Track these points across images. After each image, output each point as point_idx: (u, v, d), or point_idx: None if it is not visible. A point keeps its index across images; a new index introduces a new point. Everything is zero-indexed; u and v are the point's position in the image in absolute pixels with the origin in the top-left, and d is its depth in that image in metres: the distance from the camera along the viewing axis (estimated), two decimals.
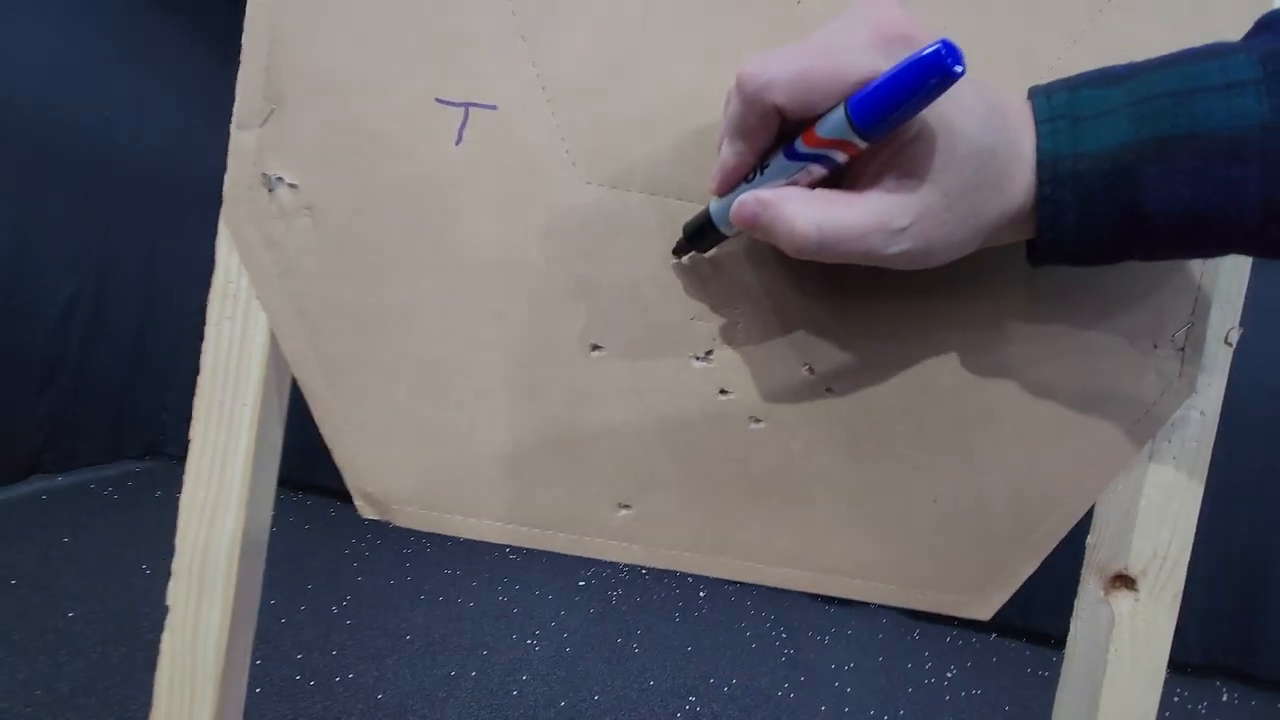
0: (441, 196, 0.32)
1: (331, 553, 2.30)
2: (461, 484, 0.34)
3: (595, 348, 0.33)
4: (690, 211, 0.32)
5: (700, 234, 0.31)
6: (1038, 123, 0.25)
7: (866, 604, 2.73)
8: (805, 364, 0.33)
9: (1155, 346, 0.33)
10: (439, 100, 0.32)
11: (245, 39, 0.32)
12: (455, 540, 2.59)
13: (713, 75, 0.32)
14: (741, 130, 0.26)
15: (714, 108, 0.32)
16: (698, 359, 0.33)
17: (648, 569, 2.64)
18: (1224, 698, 2.33)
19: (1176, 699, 2.25)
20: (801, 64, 0.24)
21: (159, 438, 2.90)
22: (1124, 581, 0.34)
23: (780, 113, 0.25)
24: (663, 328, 0.33)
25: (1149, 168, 0.23)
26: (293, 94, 0.31)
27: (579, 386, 0.34)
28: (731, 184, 0.28)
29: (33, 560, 1.88)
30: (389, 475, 0.34)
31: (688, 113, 0.32)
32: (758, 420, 0.34)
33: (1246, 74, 0.23)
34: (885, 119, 0.23)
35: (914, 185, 0.24)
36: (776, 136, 0.26)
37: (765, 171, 0.27)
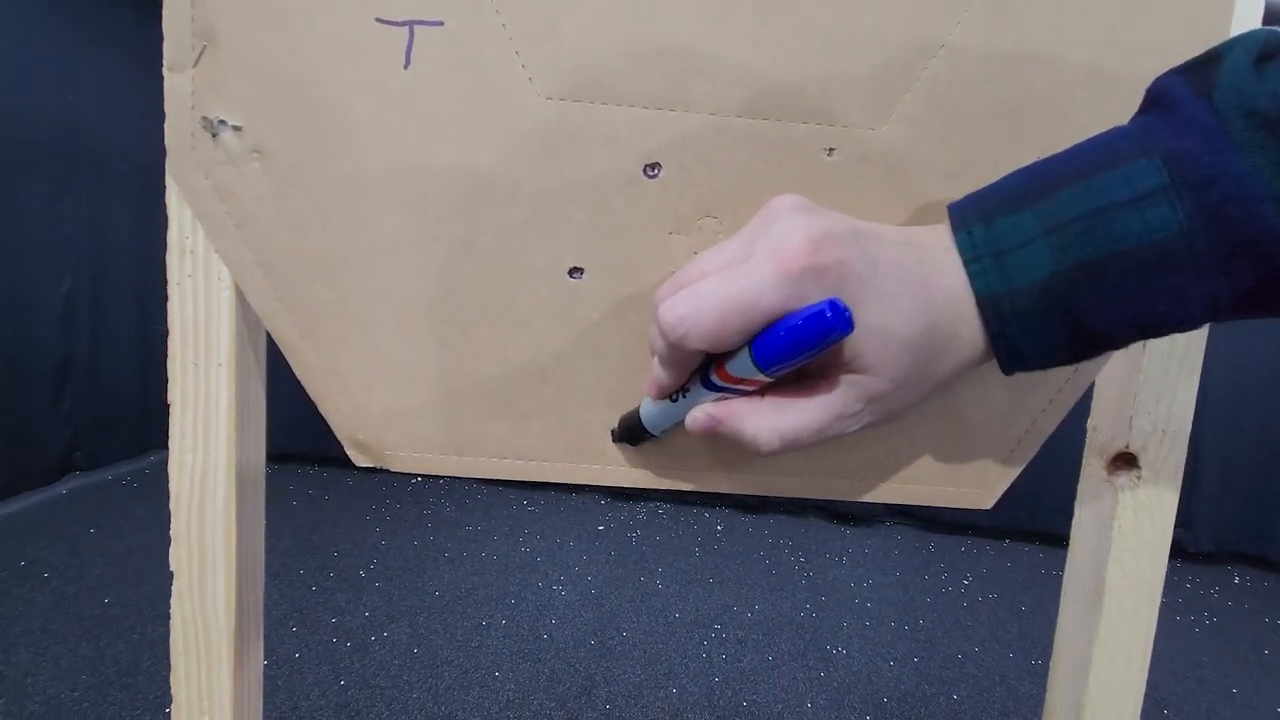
0: (395, 126, 0.31)
1: (353, 520, 2.35)
2: (452, 423, 0.33)
3: (574, 271, 0.32)
4: (655, 121, 0.31)
5: (633, 433, 0.33)
6: (965, 263, 0.25)
7: (882, 523, 2.75)
8: None
9: None
10: (380, 20, 0.30)
11: None
12: (473, 498, 2.63)
13: None
14: (668, 362, 0.28)
15: (671, 2, 0.30)
16: None
17: (664, 509, 2.69)
18: (1236, 581, 2.39)
19: (1189, 586, 2.31)
20: (715, 315, 0.25)
21: None
22: (1125, 460, 0.34)
23: (700, 353, 0.26)
24: (640, 245, 0.32)
25: (1081, 293, 0.23)
26: (223, 28, 0.29)
27: (561, 312, 0.33)
28: (665, 396, 0.30)
29: (62, 554, 1.92)
30: (377, 421, 0.33)
31: (643, 10, 0.30)
32: None
33: (1153, 182, 0.22)
34: (786, 363, 0.24)
35: (856, 381, 0.25)
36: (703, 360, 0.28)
37: (687, 394, 0.29)
